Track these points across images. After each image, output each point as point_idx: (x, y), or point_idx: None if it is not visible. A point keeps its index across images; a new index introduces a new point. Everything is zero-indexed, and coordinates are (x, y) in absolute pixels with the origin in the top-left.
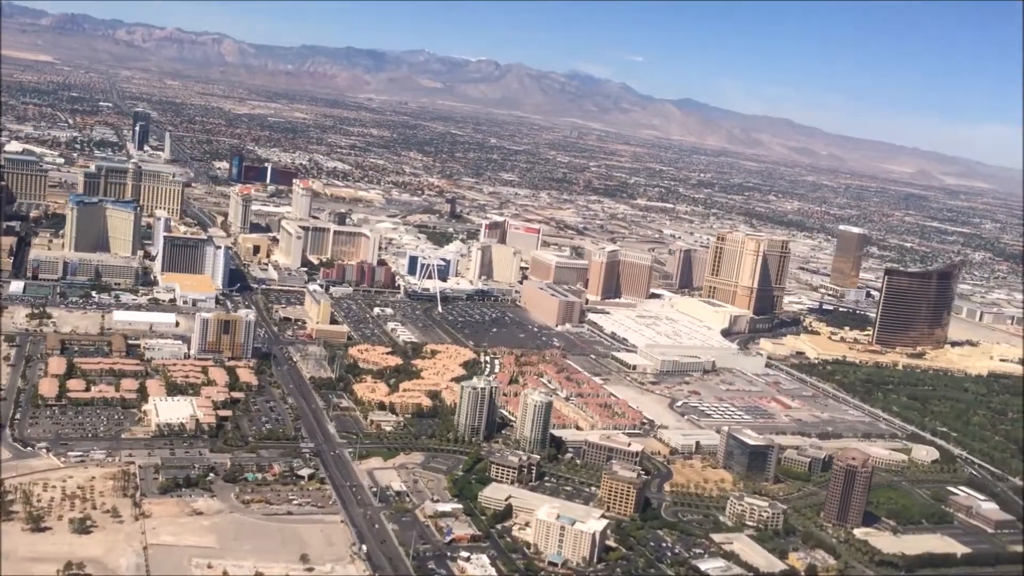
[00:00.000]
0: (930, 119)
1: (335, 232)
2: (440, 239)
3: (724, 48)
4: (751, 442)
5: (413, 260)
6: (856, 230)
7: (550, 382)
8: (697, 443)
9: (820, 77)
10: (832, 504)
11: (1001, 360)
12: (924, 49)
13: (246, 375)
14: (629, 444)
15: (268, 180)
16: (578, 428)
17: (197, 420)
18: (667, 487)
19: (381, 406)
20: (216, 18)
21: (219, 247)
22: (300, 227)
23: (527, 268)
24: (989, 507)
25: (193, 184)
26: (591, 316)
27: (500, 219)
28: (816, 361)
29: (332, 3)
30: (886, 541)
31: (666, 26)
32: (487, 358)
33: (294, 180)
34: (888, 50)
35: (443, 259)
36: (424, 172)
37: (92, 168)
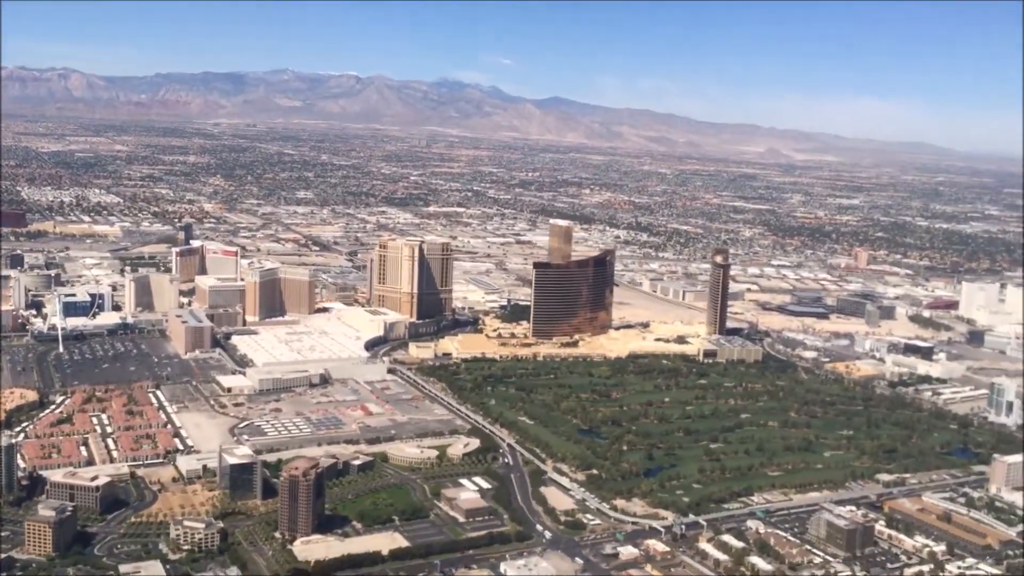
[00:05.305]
0: (793, 97)
1: None
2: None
3: (595, 44)
4: (233, 460)
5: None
6: (564, 223)
7: (108, 417)
8: (204, 466)
9: (691, 66)
10: (283, 515)
11: (656, 340)
12: (788, 29)
13: None
14: (95, 479)
15: None
16: (90, 464)
17: None
18: (133, 518)
19: None
20: (66, 52)
21: None
22: None
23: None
24: (468, 497)
25: None
26: (236, 339)
27: (197, 244)
28: (456, 361)
29: (189, 28)
30: (322, 547)
31: (536, 26)
32: (59, 399)
33: None
34: (755, 33)
35: (91, 294)
36: (206, 199)
37: None
